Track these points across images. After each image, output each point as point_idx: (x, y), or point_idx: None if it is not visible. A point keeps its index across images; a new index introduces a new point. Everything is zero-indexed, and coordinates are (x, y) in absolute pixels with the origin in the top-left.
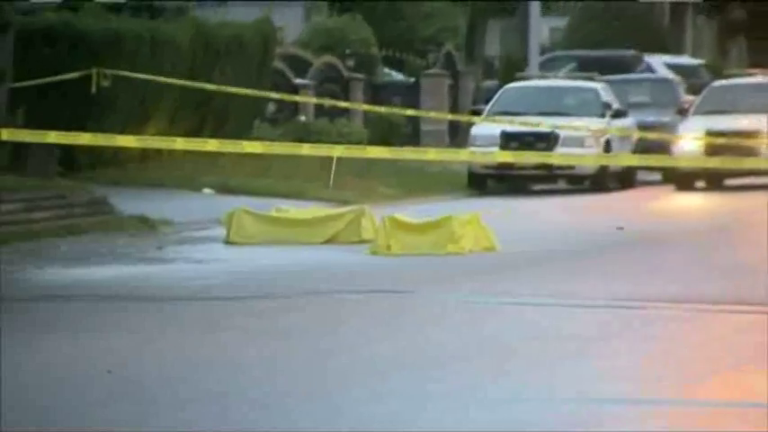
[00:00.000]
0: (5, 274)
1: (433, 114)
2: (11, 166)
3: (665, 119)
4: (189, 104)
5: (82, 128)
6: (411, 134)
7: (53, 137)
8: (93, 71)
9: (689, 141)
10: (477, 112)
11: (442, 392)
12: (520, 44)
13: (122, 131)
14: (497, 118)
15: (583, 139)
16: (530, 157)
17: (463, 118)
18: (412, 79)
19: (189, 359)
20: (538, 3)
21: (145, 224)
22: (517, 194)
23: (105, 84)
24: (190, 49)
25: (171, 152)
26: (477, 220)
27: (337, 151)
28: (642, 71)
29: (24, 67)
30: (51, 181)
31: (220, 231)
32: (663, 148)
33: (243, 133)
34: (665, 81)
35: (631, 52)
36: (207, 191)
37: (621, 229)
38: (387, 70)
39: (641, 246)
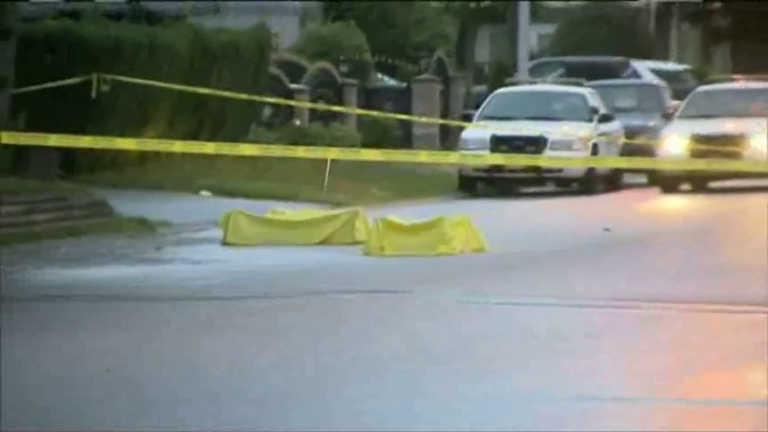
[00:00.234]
0: (6, 275)
1: (424, 119)
2: (12, 168)
3: (651, 123)
4: (187, 109)
5: (82, 132)
6: (403, 138)
7: (54, 140)
8: (93, 76)
9: (674, 145)
10: (467, 117)
11: (436, 390)
12: (509, 50)
13: (122, 135)
14: (487, 122)
15: (571, 142)
16: (519, 160)
17: (454, 123)
18: (404, 84)
19: (187, 358)
20: (527, 11)
21: (143, 226)
22: (506, 197)
23: (105, 89)
24: (187, 54)
25: (169, 155)
26: (467, 222)
27: (332, 154)
28: (628, 77)
29: (26, 73)
30: (52, 183)
31: (218, 233)
32: (648, 151)
33: (239, 137)
34: (650, 86)
35: (618, 58)
36: (204, 193)
37: (608, 230)
38: (379, 76)
39: (628, 246)
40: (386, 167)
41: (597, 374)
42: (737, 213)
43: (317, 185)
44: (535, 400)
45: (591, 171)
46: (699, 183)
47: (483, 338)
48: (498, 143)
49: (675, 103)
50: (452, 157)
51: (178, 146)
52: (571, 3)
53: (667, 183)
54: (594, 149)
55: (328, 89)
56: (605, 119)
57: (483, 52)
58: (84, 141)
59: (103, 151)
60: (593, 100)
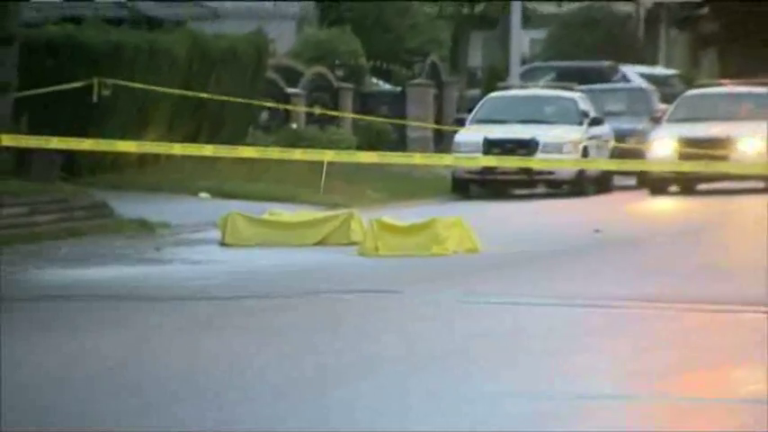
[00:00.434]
0: (8, 275)
1: (418, 122)
2: (15, 171)
3: (640, 126)
4: (186, 112)
5: (83, 134)
6: (398, 141)
7: (55, 142)
8: (95, 81)
9: (663, 148)
10: (460, 120)
11: (431, 389)
12: (501, 55)
13: (122, 138)
14: (480, 126)
15: (562, 145)
16: (511, 162)
17: (448, 126)
18: (399, 89)
19: (186, 357)
20: (519, 16)
21: (143, 227)
22: (499, 198)
23: (106, 93)
24: (186, 59)
25: (168, 157)
26: (460, 223)
27: (328, 156)
28: (618, 81)
29: (28, 78)
30: (53, 185)
31: (216, 234)
32: (638, 154)
33: (237, 140)
34: (639, 90)
35: (608, 63)
36: (203, 195)
37: (598, 231)
38: (374, 80)
39: (618, 247)
40: (381, 170)
41: (589, 373)
42: (725, 215)
43: (313, 187)
44: (529, 399)
45: (581, 173)
46: (687, 185)
47: (477, 337)
48: (491, 146)
49: (664, 106)
50: (446, 160)
51: (177, 148)
52: (562, 8)
53: (656, 185)
54: (585, 152)
55: (324, 93)
56: (595, 122)
57: (476, 57)
58: (86, 144)
59: (104, 154)
60: (584, 104)
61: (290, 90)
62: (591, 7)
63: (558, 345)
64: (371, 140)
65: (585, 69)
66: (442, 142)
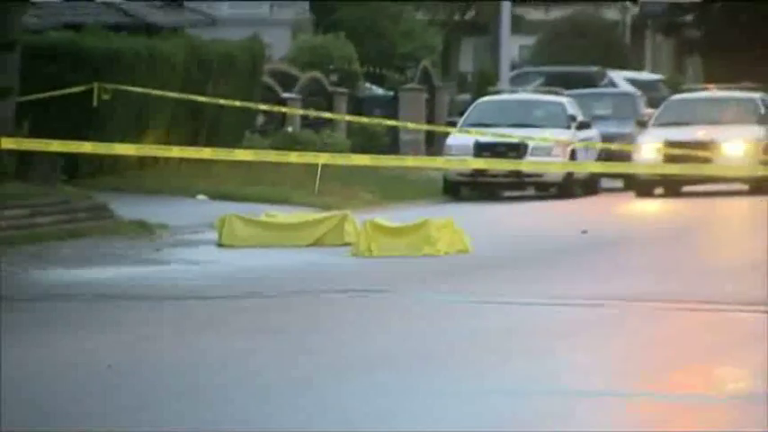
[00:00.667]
0: (10, 275)
1: (411, 126)
2: (17, 173)
3: (627, 130)
4: (184, 116)
5: (84, 138)
6: (390, 144)
7: (56, 146)
8: (95, 86)
9: (648, 151)
10: (452, 124)
11: (421, 385)
12: (492, 61)
13: (121, 141)
14: (471, 129)
15: (550, 148)
16: (501, 165)
17: (439, 129)
18: (391, 93)
19: (184, 354)
20: (509, 23)
21: (143, 228)
22: (489, 200)
23: (106, 97)
24: (184, 65)
25: (167, 161)
26: (451, 224)
27: (322, 159)
28: (605, 86)
29: (30, 83)
30: (55, 188)
31: (213, 235)
32: (624, 157)
33: (234, 143)
34: (626, 95)
35: (595, 68)
36: (201, 197)
37: (586, 232)
38: (368, 85)
39: (605, 248)
40: (374, 172)
41: (577, 371)
42: (709, 216)
43: (308, 189)
44: (518, 396)
45: (569, 176)
46: (672, 187)
47: (467, 336)
48: (481, 149)
49: (650, 111)
50: (437, 163)
51: (176, 151)
52: (551, 16)
53: (642, 187)
54: (573, 155)
55: (319, 97)
56: (583, 126)
57: (467, 62)
58: (86, 147)
59: (104, 157)
60: (572, 108)
61: (286, 94)
62: (579, 14)
63: (546, 343)
64: (365, 144)
65: (573, 74)
66: (434, 145)
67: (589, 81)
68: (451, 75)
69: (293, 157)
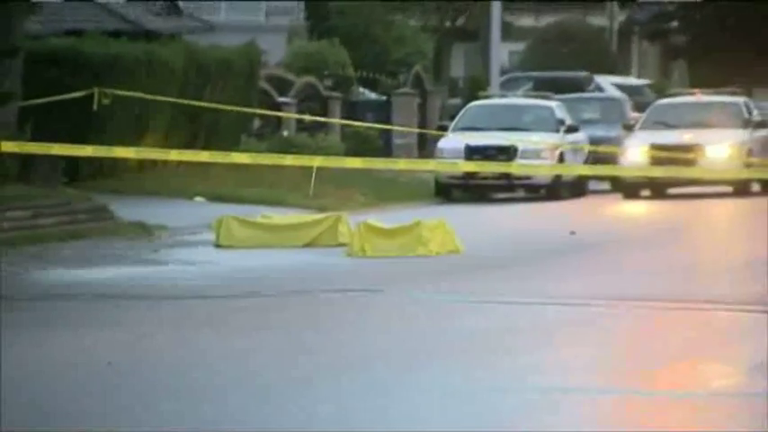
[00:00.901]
0: (13, 275)
1: (403, 129)
2: (19, 176)
3: (614, 134)
4: (182, 121)
5: (84, 141)
6: (383, 147)
7: (57, 149)
8: (95, 90)
9: (635, 154)
10: (443, 128)
11: (412, 382)
12: (482, 66)
13: (121, 145)
14: (462, 133)
15: (539, 151)
16: (491, 168)
17: (431, 133)
18: (384, 97)
19: (183, 352)
20: (499, 29)
21: (142, 229)
22: (480, 202)
23: (106, 102)
24: (183, 70)
25: (166, 164)
26: (443, 225)
27: (317, 162)
28: (592, 90)
29: (32, 88)
30: (56, 190)
31: (211, 236)
32: (611, 160)
33: (231, 147)
34: (613, 99)
35: (583, 73)
36: (198, 199)
37: (574, 233)
38: (361, 89)
39: (592, 248)
40: (367, 175)
41: (566, 368)
42: (694, 217)
43: (303, 192)
44: (508, 393)
45: (558, 178)
46: (658, 189)
47: (458, 334)
48: (472, 152)
49: (636, 115)
50: (429, 165)
51: (174, 154)
52: (540, 22)
53: (629, 189)
54: (561, 158)
55: (314, 102)
56: (571, 130)
57: (458, 68)
58: (87, 150)
59: (104, 160)
60: (560, 112)
61: (281, 99)
62: (567, 21)
63: (535, 341)
64: (359, 147)
65: (562, 79)
66: (426, 148)
67: (577, 86)
68: (443, 80)
69: (289, 160)
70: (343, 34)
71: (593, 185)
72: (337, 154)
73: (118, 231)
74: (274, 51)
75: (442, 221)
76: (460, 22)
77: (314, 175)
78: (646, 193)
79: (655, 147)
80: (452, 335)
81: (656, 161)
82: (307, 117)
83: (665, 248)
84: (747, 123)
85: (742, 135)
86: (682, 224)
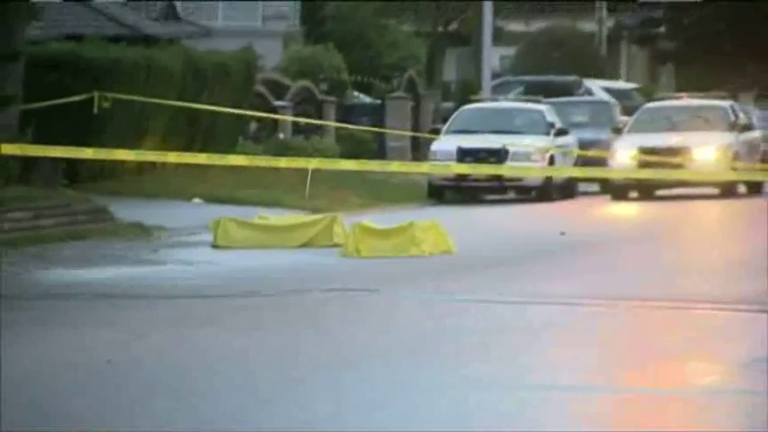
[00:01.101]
0: (14, 275)
1: (397, 132)
2: (20, 177)
3: (603, 137)
4: (180, 124)
5: (84, 144)
6: (378, 150)
7: (58, 151)
8: (95, 94)
9: (623, 157)
10: (436, 131)
11: (406, 380)
12: (474, 70)
13: (121, 147)
14: (454, 136)
15: (530, 154)
16: (482, 170)
17: (424, 136)
18: (378, 101)
19: (181, 351)
20: (490, 34)
21: (141, 230)
22: (472, 204)
23: (105, 105)
24: (181, 74)
25: (164, 166)
26: (436, 226)
27: (312, 164)
28: (582, 94)
29: (33, 91)
30: (56, 191)
31: (208, 236)
32: (600, 162)
33: (228, 149)
34: (602, 103)
35: (572, 77)
36: (196, 200)
37: (564, 234)
38: (356, 93)
39: (582, 248)
40: (362, 177)
41: (556, 366)
42: (681, 218)
43: (299, 193)
44: (499, 391)
45: (548, 180)
46: (646, 191)
47: (451, 332)
48: (464, 154)
49: (625, 118)
50: (422, 168)
51: (173, 157)
52: (531, 27)
53: (617, 191)
54: (551, 161)
55: (309, 105)
56: (561, 133)
57: (450, 72)
58: (87, 153)
59: (104, 162)
60: (551, 115)
61: (278, 103)
62: (557, 26)
63: (526, 340)
64: (353, 149)
65: (552, 83)
66: (419, 151)
67: (567, 90)
68: (435, 84)
69: (284, 163)
70: (338, 39)
71: (582, 187)
72: (332, 156)
73: (117, 232)
74: (271, 56)
75: (435, 222)
76: (453, 27)
77: (309, 176)
78: (634, 194)
79: (643, 149)
80: (445, 333)
81: (644, 163)
82: (302, 120)
83: (653, 248)
84: (734, 126)
85: (728, 138)
86: (669, 225)
